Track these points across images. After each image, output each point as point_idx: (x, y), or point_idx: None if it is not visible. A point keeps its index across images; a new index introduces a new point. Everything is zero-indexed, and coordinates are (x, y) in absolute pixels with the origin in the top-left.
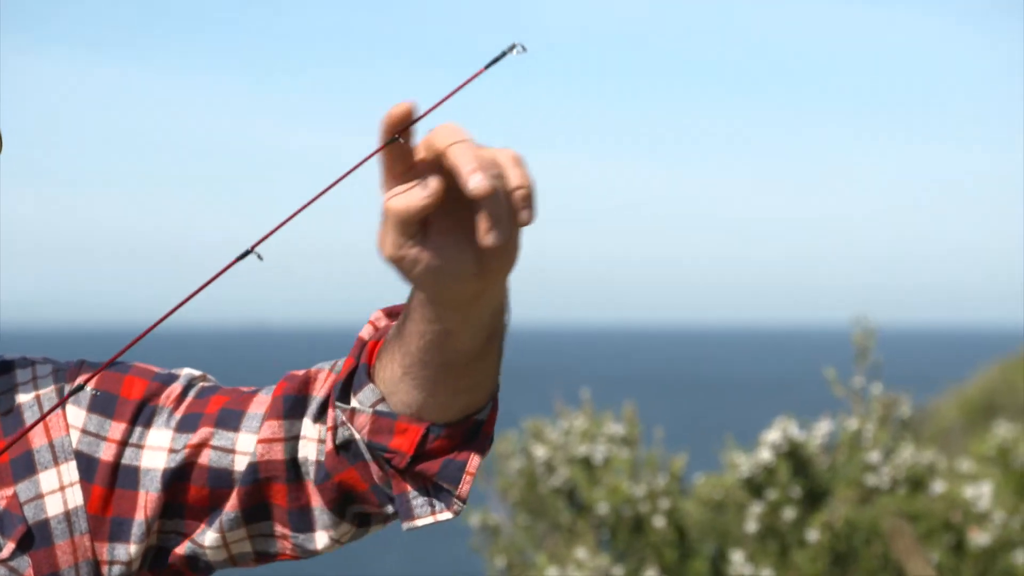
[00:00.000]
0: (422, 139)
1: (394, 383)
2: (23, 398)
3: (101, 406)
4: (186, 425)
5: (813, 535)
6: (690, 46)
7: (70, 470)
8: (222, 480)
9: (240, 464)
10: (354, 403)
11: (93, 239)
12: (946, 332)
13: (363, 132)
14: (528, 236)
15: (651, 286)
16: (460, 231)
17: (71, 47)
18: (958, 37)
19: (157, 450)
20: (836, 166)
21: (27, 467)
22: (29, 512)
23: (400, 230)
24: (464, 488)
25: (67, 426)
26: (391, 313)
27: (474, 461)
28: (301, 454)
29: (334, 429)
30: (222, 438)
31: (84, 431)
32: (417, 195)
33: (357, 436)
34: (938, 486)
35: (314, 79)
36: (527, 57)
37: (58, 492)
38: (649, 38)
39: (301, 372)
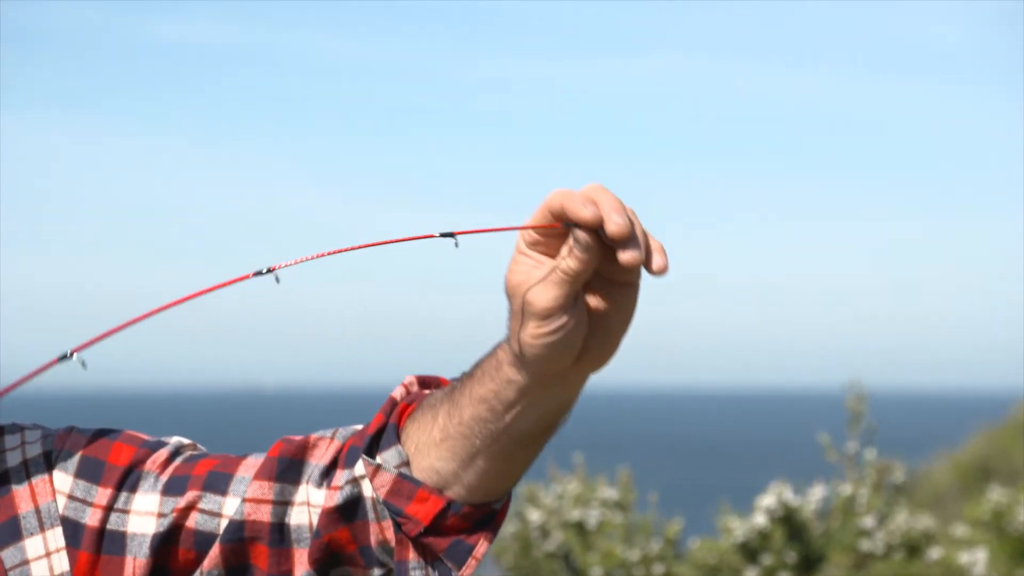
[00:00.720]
0: (571, 198)
1: (428, 447)
2: (11, 463)
3: (88, 472)
4: (173, 488)
5: None
6: (681, 112)
7: (56, 536)
8: (208, 544)
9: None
10: (379, 460)
11: (83, 304)
12: (937, 395)
13: (358, 199)
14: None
15: (643, 349)
16: (584, 309)
17: (35, 110)
18: (950, 100)
19: (144, 515)
20: (828, 230)
21: (13, 533)
22: None
23: (571, 288)
24: (467, 572)
25: (54, 491)
26: (424, 382)
27: (482, 547)
28: (294, 521)
29: (339, 488)
30: (209, 501)
31: (71, 496)
32: (583, 254)
33: (370, 494)
34: (934, 552)
35: (315, 143)
36: (530, 126)
37: (44, 558)
38: (638, 106)
39: (299, 437)
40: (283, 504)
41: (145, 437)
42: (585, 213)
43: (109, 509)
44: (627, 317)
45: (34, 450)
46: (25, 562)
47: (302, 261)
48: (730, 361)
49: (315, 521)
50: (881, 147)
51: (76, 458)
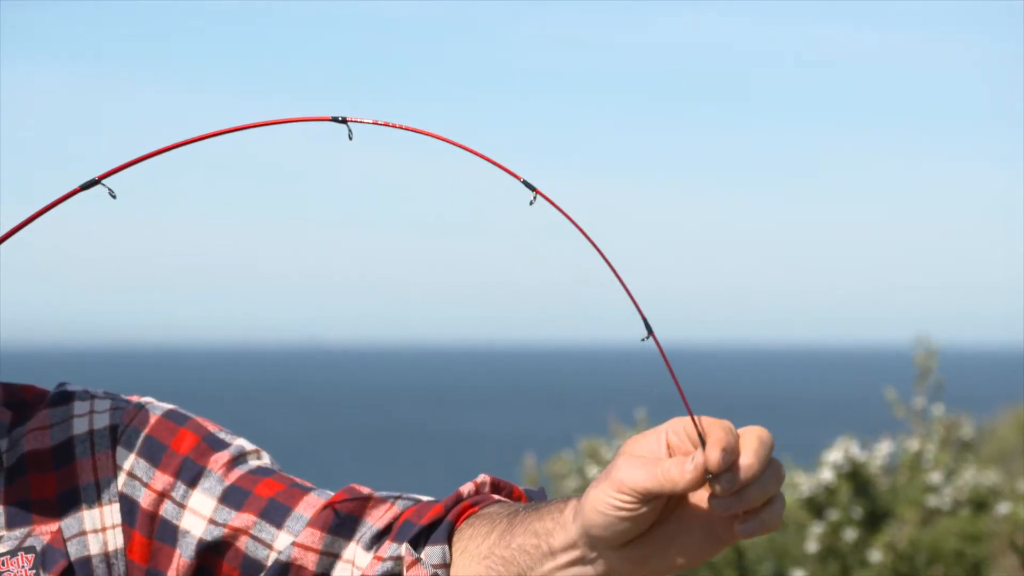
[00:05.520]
0: (719, 431)
1: (472, 557)
2: (77, 431)
3: (149, 453)
4: (232, 499)
5: (875, 556)
6: (744, 66)
7: (113, 512)
8: (254, 570)
9: (272, 561)
10: (422, 554)
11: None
12: (1006, 351)
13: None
14: (580, 258)
15: (707, 304)
16: (656, 514)
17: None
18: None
19: (198, 516)
20: (897, 187)
21: (73, 503)
22: (72, 548)
23: (655, 486)
24: None
25: (115, 467)
26: (498, 485)
27: None
28: (336, 575)
29: (382, 560)
30: (263, 530)
31: (130, 474)
32: (688, 471)
33: None
34: (1002, 507)
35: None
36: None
37: (101, 532)
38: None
39: (365, 491)
40: (330, 556)
41: (211, 428)
42: (712, 455)
43: (163, 496)
44: (689, 558)
45: (101, 421)
46: (83, 532)
47: (378, 124)
48: (797, 317)
49: None
50: (950, 103)
51: (141, 436)
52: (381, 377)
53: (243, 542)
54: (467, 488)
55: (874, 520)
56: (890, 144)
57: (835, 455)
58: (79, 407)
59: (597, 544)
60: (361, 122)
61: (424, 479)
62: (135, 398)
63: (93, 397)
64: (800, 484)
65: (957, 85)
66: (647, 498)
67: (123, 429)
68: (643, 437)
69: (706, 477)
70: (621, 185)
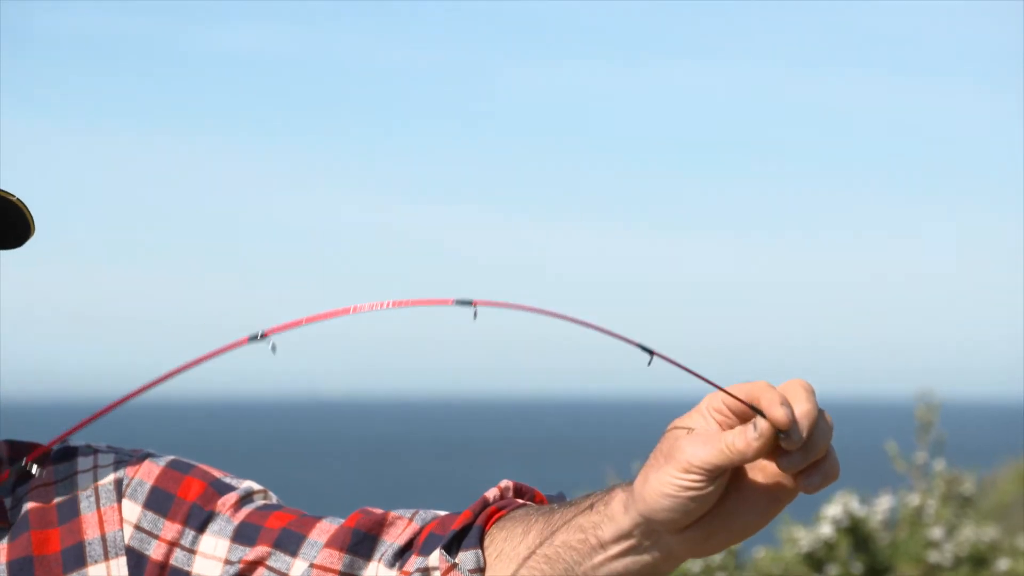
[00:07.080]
0: (762, 389)
1: (509, 559)
2: (81, 486)
3: (157, 504)
4: (243, 536)
5: None
6: (716, 118)
7: (120, 566)
8: None
9: None
10: (457, 559)
11: (102, 310)
12: (1006, 404)
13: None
14: (580, 306)
15: (709, 356)
16: (720, 490)
17: (73, 115)
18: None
19: (211, 558)
20: (898, 237)
21: (77, 559)
22: None
23: (725, 461)
24: None
25: (121, 520)
26: (520, 490)
27: None
28: None
29: (409, 574)
30: (279, 560)
31: (137, 527)
32: (754, 441)
33: None
34: (1002, 563)
35: (361, 147)
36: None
37: None
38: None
39: (378, 511)
40: None
41: (217, 475)
42: (777, 413)
43: (174, 545)
44: (752, 526)
45: (106, 475)
46: None
47: (297, 324)
48: (798, 371)
49: None
50: (940, 153)
51: (147, 488)
52: (379, 428)
53: (259, 574)
54: (492, 493)
55: (875, 575)
56: (890, 198)
57: (834, 509)
58: (83, 462)
59: (657, 530)
60: (281, 329)
61: None
62: (138, 451)
63: (96, 451)
64: (799, 539)
65: (954, 137)
66: (715, 474)
67: (128, 482)
68: (687, 418)
69: (778, 436)
70: (614, 235)
